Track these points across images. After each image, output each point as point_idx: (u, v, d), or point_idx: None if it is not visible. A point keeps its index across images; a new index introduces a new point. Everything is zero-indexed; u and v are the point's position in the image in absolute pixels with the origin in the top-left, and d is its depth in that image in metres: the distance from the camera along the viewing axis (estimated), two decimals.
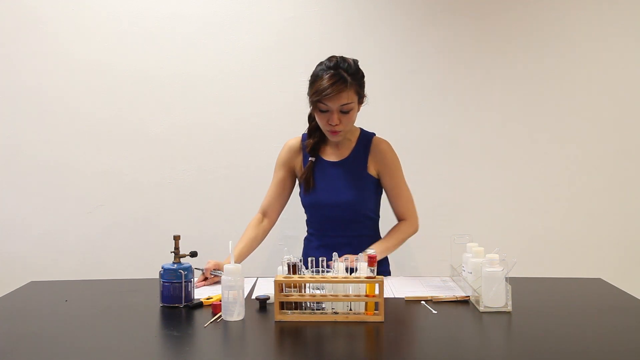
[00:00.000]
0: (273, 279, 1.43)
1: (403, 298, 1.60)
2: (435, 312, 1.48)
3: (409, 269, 2.55)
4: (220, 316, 1.44)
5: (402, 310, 1.51)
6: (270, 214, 2.01)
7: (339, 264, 1.47)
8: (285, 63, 2.54)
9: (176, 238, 1.60)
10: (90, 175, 2.57)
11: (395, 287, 1.73)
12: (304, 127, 2.00)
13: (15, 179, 2.57)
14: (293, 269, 1.47)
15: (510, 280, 1.48)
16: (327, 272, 1.46)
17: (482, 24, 2.55)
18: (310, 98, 1.83)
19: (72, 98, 2.55)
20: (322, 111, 1.82)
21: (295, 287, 1.44)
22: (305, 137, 1.99)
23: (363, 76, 1.86)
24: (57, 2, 2.52)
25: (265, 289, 1.69)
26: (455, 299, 1.58)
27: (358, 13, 2.54)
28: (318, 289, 1.50)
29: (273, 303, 1.45)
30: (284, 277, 1.44)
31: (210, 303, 1.53)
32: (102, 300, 1.66)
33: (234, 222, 2.52)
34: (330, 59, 1.83)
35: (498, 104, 2.57)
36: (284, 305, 1.44)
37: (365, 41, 2.54)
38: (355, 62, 1.85)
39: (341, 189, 1.91)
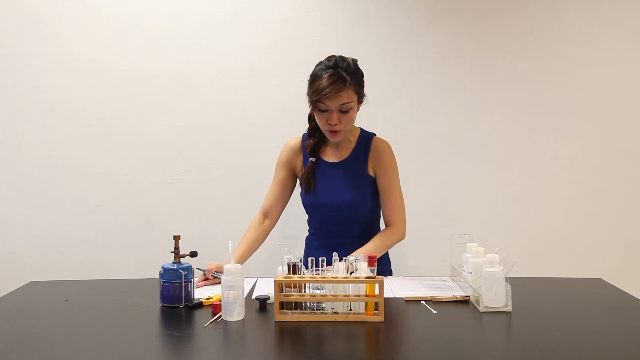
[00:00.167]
0: (273, 279, 1.43)
1: (403, 298, 1.60)
2: (435, 312, 1.48)
3: (409, 269, 2.55)
4: (220, 316, 1.44)
5: (402, 310, 1.51)
6: (271, 214, 2.00)
7: (339, 264, 1.47)
8: (285, 63, 2.54)
9: (176, 238, 1.59)
10: (90, 175, 2.57)
11: (395, 287, 1.73)
12: (304, 127, 2.00)
13: (15, 179, 2.57)
14: (293, 269, 1.47)
15: (510, 280, 1.47)
16: (327, 272, 1.46)
17: (482, 24, 2.55)
18: (309, 98, 1.83)
19: (72, 98, 2.55)
20: (321, 111, 1.82)
21: (295, 287, 1.44)
22: (305, 138, 1.99)
23: (362, 75, 1.86)
24: (57, 2, 2.52)
25: (265, 289, 1.69)
26: (455, 299, 1.58)
27: (358, 13, 2.54)
28: (318, 289, 1.50)
29: (273, 303, 1.45)
30: (284, 277, 1.44)
31: (210, 303, 1.53)
32: (102, 300, 1.66)
33: (234, 222, 2.52)
34: (329, 58, 1.83)
35: (498, 104, 2.57)
36: (284, 305, 1.44)
37: (365, 41, 2.54)
38: (355, 61, 1.85)
39: (341, 190, 1.91)
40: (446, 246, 1.74)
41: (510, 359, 1.22)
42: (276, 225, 2.03)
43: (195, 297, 1.59)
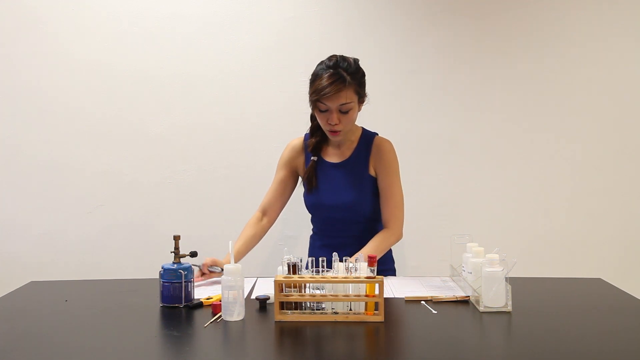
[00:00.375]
0: (273, 279, 1.43)
1: (403, 298, 1.60)
2: (435, 312, 1.48)
3: (409, 269, 2.55)
4: (220, 316, 1.44)
5: (402, 310, 1.51)
6: (270, 213, 2.00)
7: (339, 264, 1.47)
8: (285, 63, 2.54)
9: (176, 238, 1.60)
10: (90, 175, 2.57)
11: (395, 287, 1.73)
12: (304, 127, 2.00)
13: (15, 179, 2.57)
14: (293, 269, 1.47)
15: (510, 280, 1.47)
16: (327, 272, 1.46)
17: (482, 24, 2.55)
18: (310, 97, 1.83)
19: (72, 98, 2.55)
20: (321, 111, 1.82)
21: (295, 287, 1.44)
22: (307, 137, 1.99)
23: (363, 75, 1.86)
24: (57, 2, 2.52)
25: (265, 289, 1.69)
26: (455, 299, 1.58)
27: (358, 13, 2.54)
28: (318, 289, 1.50)
29: (273, 303, 1.45)
30: (284, 277, 1.44)
31: (210, 303, 1.53)
32: (102, 300, 1.66)
33: (234, 222, 2.50)
34: (330, 58, 1.83)
35: (498, 104, 2.57)
36: (284, 305, 1.44)
37: (365, 41, 2.54)
38: (356, 61, 1.84)
39: (342, 190, 1.91)
40: (446, 246, 1.74)
41: (510, 359, 1.22)
42: (276, 225, 2.04)
43: (195, 297, 1.59)
